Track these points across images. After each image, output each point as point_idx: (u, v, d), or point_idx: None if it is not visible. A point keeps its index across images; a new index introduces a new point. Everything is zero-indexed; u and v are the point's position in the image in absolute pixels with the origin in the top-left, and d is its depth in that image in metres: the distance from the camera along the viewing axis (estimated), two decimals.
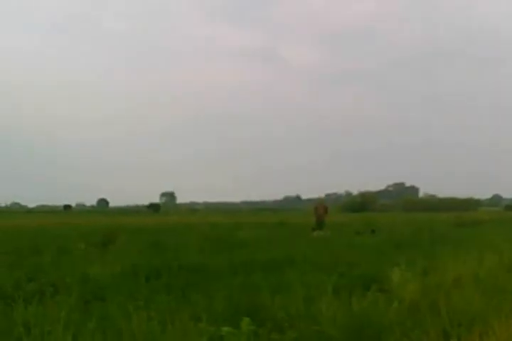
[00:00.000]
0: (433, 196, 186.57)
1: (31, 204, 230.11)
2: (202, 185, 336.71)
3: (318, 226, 38.05)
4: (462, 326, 7.90)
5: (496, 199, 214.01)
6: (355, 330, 7.96)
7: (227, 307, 9.79)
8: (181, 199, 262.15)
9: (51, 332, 7.29)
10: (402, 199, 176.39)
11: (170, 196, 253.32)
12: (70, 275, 13.94)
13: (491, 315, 8.54)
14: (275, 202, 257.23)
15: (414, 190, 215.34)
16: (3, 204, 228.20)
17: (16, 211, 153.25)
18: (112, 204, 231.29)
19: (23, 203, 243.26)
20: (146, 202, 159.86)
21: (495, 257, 15.66)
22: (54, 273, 14.85)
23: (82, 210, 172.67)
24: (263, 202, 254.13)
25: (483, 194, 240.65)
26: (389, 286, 11.59)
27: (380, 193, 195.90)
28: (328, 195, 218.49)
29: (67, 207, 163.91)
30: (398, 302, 9.21)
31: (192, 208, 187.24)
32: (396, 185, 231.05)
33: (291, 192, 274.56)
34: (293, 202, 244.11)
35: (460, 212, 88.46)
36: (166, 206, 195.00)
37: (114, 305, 9.83)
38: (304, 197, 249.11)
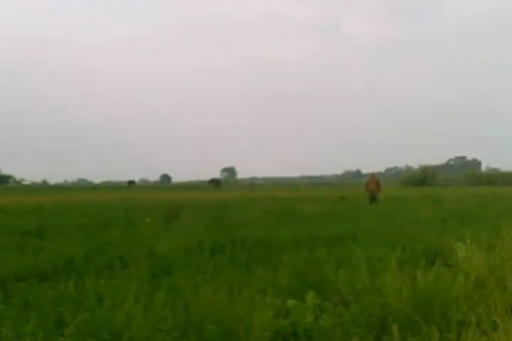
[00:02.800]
0: (496, 170, 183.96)
1: (96, 181, 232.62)
2: (262, 161, 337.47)
3: (371, 200, 38.45)
4: None
5: None
6: (420, 304, 7.92)
7: (292, 281, 9.84)
8: (242, 174, 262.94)
9: (122, 304, 7.38)
10: (463, 173, 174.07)
11: (231, 171, 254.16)
12: (137, 249, 14.13)
13: None
14: (335, 176, 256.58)
15: (476, 163, 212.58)
16: (69, 181, 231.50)
17: (82, 187, 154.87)
18: (174, 179, 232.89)
19: (88, 179, 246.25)
20: (207, 178, 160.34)
21: None
22: (122, 246, 15.09)
23: (145, 186, 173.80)
24: (323, 177, 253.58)
25: None
26: (453, 261, 11.49)
27: (441, 167, 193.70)
28: (388, 170, 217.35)
29: (131, 182, 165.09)
30: (464, 277, 9.11)
31: (252, 183, 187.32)
32: (457, 158, 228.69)
33: (352, 167, 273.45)
34: (353, 177, 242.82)
35: None
36: (227, 181, 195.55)
37: (182, 278, 9.93)
38: (364, 171, 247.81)
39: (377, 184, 40.13)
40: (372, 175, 43.36)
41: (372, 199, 38.76)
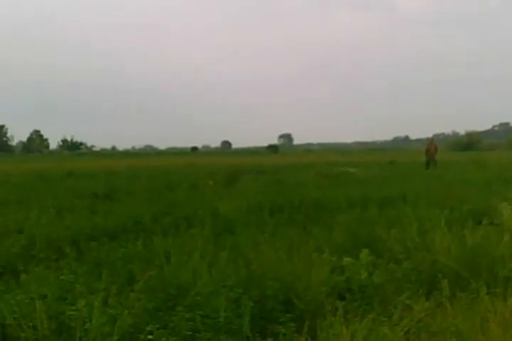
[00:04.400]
0: None
1: (162, 147, 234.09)
2: (317, 127, 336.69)
3: (428, 165, 37.36)
4: None
5: None
6: (468, 261, 7.85)
7: (347, 240, 9.81)
8: (298, 140, 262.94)
9: (188, 262, 7.41)
10: (507, 138, 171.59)
11: (287, 138, 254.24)
12: (201, 210, 14.16)
13: None
14: (385, 142, 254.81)
15: None
16: (137, 147, 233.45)
17: (148, 153, 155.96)
18: (234, 145, 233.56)
19: (154, 145, 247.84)
20: (265, 144, 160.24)
21: None
22: (187, 207, 15.14)
23: (207, 151, 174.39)
24: (373, 143, 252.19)
25: None
26: (499, 220, 11.34)
27: (485, 133, 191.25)
28: (435, 135, 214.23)
29: (194, 148, 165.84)
30: (509, 236, 8.97)
31: (308, 149, 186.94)
32: (502, 124, 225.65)
33: (400, 133, 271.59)
34: (402, 142, 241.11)
35: None
36: (284, 147, 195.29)
37: (243, 237, 9.94)
38: (412, 137, 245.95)
39: (436, 149, 39.14)
40: (432, 140, 42.54)
41: (432, 163, 37.63)
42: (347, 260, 8.05)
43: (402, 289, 7.06)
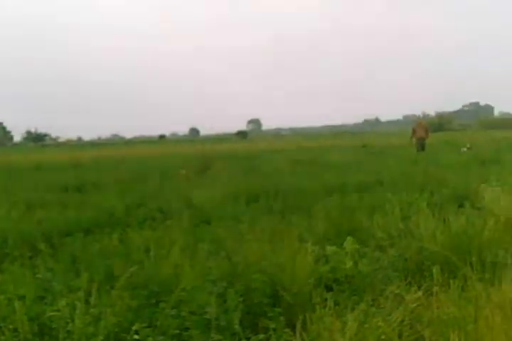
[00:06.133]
0: (508, 114, 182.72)
1: (129, 136, 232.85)
2: (286, 112, 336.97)
3: (419, 147, 36.00)
4: None
5: None
6: (455, 247, 7.80)
7: (328, 228, 9.74)
8: (267, 126, 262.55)
9: (168, 256, 7.32)
10: (477, 118, 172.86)
11: (256, 123, 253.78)
12: (175, 201, 14.05)
13: None
14: (355, 125, 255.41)
15: (489, 108, 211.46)
16: (103, 137, 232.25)
17: (115, 142, 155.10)
18: (202, 132, 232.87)
19: (121, 134, 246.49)
20: (234, 130, 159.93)
21: None
22: (160, 198, 15.02)
23: (176, 139, 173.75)
24: (343, 126, 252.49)
25: None
26: (481, 203, 11.34)
27: (456, 113, 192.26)
28: (406, 117, 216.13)
29: (162, 136, 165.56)
30: (494, 220, 8.96)
31: (278, 134, 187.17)
32: (471, 104, 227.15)
33: (370, 115, 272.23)
34: (372, 125, 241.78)
35: None
36: (253, 133, 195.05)
37: (221, 228, 9.85)
38: (382, 119, 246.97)
39: (426, 131, 37.38)
40: (420, 122, 41.81)
41: (421, 146, 36.13)
42: (331, 249, 7.98)
43: (389, 278, 7.02)
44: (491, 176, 14.28)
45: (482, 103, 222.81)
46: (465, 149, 34.84)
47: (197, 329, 5.58)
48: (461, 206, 11.21)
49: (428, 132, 37.38)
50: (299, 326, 5.31)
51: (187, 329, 5.60)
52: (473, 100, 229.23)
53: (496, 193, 11.70)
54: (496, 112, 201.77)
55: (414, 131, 36.43)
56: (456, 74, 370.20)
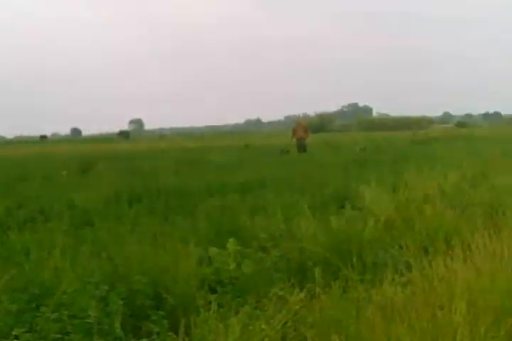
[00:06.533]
0: (386, 115, 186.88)
1: (9, 136, 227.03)
2: (168, 112, 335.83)
3: (299, 148, 35.95)
4: (438, 240, 7.81)
5: (446, 117, 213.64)
6: (336, 247, 7.89)
7: (211, 229, 9.68)
8: (149, 125, 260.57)
9: (49, 258, 7.14)
10: (357, 119, 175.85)
11: (138, 123, 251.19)
12: (57, 202, 13.76)
13: (463, 229, 8.51)
14: (236, 125, 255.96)
15: (367, 109, 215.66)
16: None
17: None
18: (84, 132, 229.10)
19: (0, 134, 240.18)
20: (116, 130, 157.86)
21: (457, 172, 15.60)
22: (41, 200, 14.66)
23: (57, 140, 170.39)
24: (225, 126, 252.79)
25: (433, 112, 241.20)
26: (362, 204, 11.50)
27: (335, 114, 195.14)
28: (287, 117, 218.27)
29: (43, 137, 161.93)
30: (374, 220, 9.11)
31: (160, 134, 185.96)
32: (350, 105, 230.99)
33: (252, 116, 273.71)
34: (254, 125, 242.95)
35: (414, 130, 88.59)
36: (135, 133, 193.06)
37: (104, 230, 9.69)
38: (264, 120, 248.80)
39: (306, 131, 37.70)
40: (300, 122, 42.08)
41: (301, 147, 36.06)
42: (213, 250, 7.95)
43: (273, 279, 7.02)
44: (371, 177, 14.49)
45: (361, 104, 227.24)
46: (357, 150, 35.11)
47: (78, 334, 5.44)
48: (342, 207, 11.34)
49: (308, 132, 37.67)
50: (182, 329, 5.23)
51: (68, 333, 5.45)
52: (353, 101, 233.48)
53: (376, 194, 11.89)
54: (375, 113, 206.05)
55: (294, 131, 36.62)
56: (337, 74, 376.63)
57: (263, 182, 17.09)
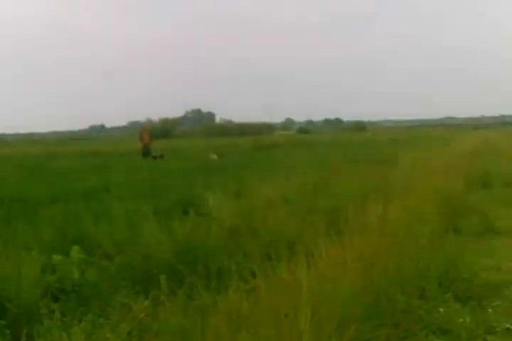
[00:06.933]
0: (229, 121, 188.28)
1: None
2: (9, 117, 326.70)
3: (145, 152, 35.86)
4: (282, 247, 7.85)
5: (288, 123, 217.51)
6: (181, 254, 7.84)
7: (55, 236, 9.44)
8: None
9: None
10: (200, 125, 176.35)
11: None
12: None
13: (306, 235, 8.61)
14: (81, 131, 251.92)
15: (210, 115, 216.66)
16: None
17: None
18: None
19: None
20: None
21: (300, 179, 15.83)
22: None
23: None
24: (70, 132, 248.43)
25: (276, 118, 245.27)
26: (206, 210, 11.48)
27: (179, 120, 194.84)
28: (131, 123, 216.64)
29: None
30: (218, 226, 9.11)
31: (2, 140, 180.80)
32: (194, 111, 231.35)
33: (96, 121, 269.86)
34: (98, 131, 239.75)
35: (257, 135, 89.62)
36: None
37: None
38: (108, 125, 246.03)
39: (151, 136, 37.77)
40: (145, 127, 41.76)
41: (148, 152, 35.94)
42: (57, 258, 7.78)
43: (117, 287, 6.91)
44: (215, 183, 14.53)
45: (204, 110, 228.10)
46: (215, 157, 34.76)
47: None
48: (186, 213, 11.29)
49: (151, 139, 37.45)
50: (24, 339, 5.06)
51: None
52: (196, 107, 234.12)
53: (220, 200, 11.92)
54: (218, 119, 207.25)
55: (141, 137, 36.42)
56: (179, 80, 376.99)
57: (108, 188, 16.84)
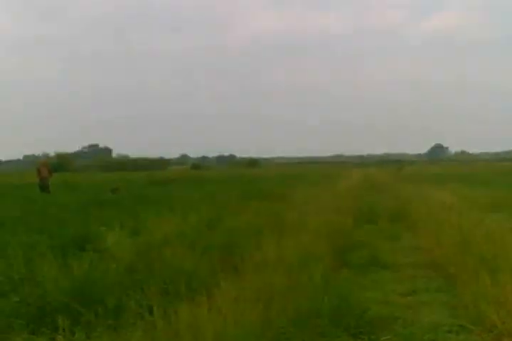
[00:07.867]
0: (126, 156, 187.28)
1: None
2: None
3: (43, 188, 34.57)
4: (179, 283, 7.73)
5: (183, 159, 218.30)
6: (78, 292, 7.61)
7: None
8: None
9: None
10: (97, 159, 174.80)
11: None
12: None
13: (203, 271, 8.55)
14: None
15: (107, 151, 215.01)
16: None
17: None
18: None
19: None
20: None
21: (195, 215, 15.75)
22: None
23: None
24: None
25: (172, 154, 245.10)
26: (103, 246, 11.29)
27: (76, 154, 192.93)
28: (26, 157, 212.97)
29: None
30: (116, 263, 8.94)
31: None
32: (91, 146, 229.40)
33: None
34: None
35: (152, 170, 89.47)
36: None
37: None
38: (3, 159, 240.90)
39: (49, 171, 36.14)
40: (43, 162, 40.96)
41: (45, 187, 34.63)
42: None
43: (12, 326, 6.66)
44: (111, 219, 14.31)
45: (102, 145, 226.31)
46: (109, 193, 33.96)
47: None
48: (83, 249, 11.05)
49: (51, 172, 36.74)
50: None
51: None
52: (94, 142, 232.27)
53: (118, 236, 11.75)
54: (115, 154, 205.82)
55: (38, 171, 35.68)
56: (76, 117, 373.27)
57: (2, 221, 16.34)
